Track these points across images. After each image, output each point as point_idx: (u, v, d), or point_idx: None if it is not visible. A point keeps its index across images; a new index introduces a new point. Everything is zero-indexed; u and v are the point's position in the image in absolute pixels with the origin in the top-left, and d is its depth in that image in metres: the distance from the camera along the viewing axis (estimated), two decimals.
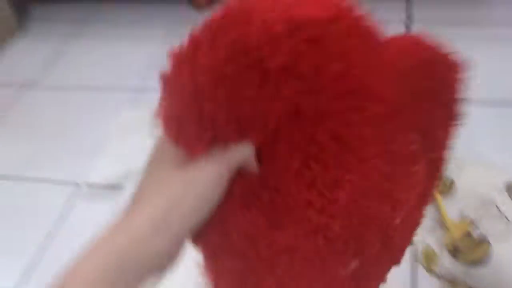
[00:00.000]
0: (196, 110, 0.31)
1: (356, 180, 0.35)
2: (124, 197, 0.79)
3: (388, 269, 0.42)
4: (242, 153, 0.33)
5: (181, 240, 0.32)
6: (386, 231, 0.39)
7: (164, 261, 0.32)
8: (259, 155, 0.34)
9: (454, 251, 0.65)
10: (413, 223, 0.44)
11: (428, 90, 0.40)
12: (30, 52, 1.37)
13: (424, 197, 0.44)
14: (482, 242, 0.65)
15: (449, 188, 0.73)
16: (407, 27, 1.19)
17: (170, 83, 0.32)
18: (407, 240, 0.44)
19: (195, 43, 0.31)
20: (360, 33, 0.33)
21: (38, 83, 1.25)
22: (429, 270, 0.66)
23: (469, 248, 0.65)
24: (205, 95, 0.30)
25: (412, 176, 0.39)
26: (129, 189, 0.80)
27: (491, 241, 0.64)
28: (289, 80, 0.31)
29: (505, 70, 1.05)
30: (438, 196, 0.71)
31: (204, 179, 0.31)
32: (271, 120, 0.32)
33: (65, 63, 1.30)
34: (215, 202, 0.32)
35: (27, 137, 1.09)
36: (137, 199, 0.32)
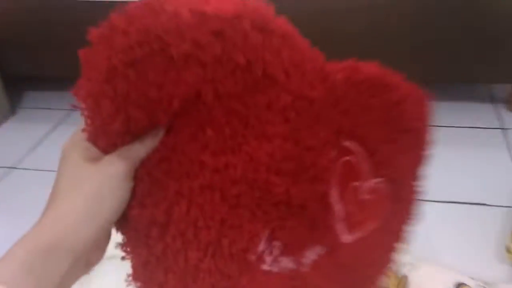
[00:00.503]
0: (110, 88, 0.33)
1: (253, 153, 0.38)
2: None
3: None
4: (149, 146, 0.36)
5: (106, 230, 0.35)
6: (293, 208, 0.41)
7: (91, 251, 0.34)
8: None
9: None
10: (375, 248, 0.45)
11: (371, 108, 0.42)
12: (19, 134, 1.45)
13: (391, 229, 0.46)
14: None
15: (402, 283, 0.77)
16: None
17: (88, 61, 0.35)
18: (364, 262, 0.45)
19: (112, 26, 0.33)
20: (267, 30, 0.36)
21: (22, 164, 1.31)
22: None
23: None
24: (118, 75, 0.33)
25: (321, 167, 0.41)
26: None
27: None
28: (191, 68, 0.34)
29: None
30: None
31: (117, 174, 0.34)
32: (175, 103, 0.35)
33: (50, 146, 1.37)
34: (129, 190, 0.35)
35: (8, 215, 1.13)
36: (55, 196, 0.34)
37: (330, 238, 0.43)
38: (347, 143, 0.42)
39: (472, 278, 0.79)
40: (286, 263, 0.43)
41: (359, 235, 0.44)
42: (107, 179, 0.34)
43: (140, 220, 0.38)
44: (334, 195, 0.42)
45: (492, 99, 1.41)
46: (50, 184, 0.35)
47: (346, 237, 0.44)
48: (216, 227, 0.39)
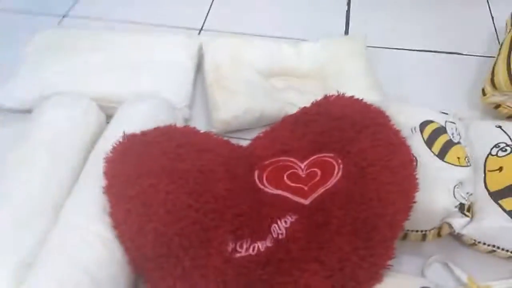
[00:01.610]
0: None
1: None
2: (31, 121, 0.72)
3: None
4: None
5: None
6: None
7: None
8: None
9: None
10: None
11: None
12: None
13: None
14: None
15: None
16: None
17: None
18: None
19: None
20: None
21: None
22: None
23: None
24: None
25: None
26: (36, 113, 0.73)
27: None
28: None
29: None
30: None
31: None
32: None
33: None
34: None
35: None
36: None
37: (290, 208, 0.59)
38: None
39: (444, 113, 0.73)
40: (261, 244, 0.58)
41: (314, 197, 0.60)
42: None
43: None
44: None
45: None
46: None
47: (304, 201, 0.60)
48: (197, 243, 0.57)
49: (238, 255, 0.57)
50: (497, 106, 0.80)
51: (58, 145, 0.66)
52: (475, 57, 0.96)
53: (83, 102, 0.73)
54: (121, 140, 0.63)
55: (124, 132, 0.63)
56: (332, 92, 0.70)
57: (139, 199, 0.57)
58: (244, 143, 0.72)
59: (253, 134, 0.72)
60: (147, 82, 0.81)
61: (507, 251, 0.61)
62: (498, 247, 0.62)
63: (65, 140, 0.67)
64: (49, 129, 0.67)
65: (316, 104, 0.70)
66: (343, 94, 0.70)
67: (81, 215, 0.58)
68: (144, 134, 0.64)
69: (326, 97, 0.70)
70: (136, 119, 0.68)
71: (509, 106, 0.79)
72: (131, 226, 0.56)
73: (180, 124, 0.70)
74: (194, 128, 0.69)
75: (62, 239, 0.56)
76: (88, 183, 0.61)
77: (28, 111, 0.76)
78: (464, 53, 0.97)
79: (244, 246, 0.58)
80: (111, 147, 0.62)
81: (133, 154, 0.61)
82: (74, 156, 0.67)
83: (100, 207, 0.58)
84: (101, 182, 0.59)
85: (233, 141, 0.72)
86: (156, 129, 0.65)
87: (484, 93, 0.81)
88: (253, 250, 0.58)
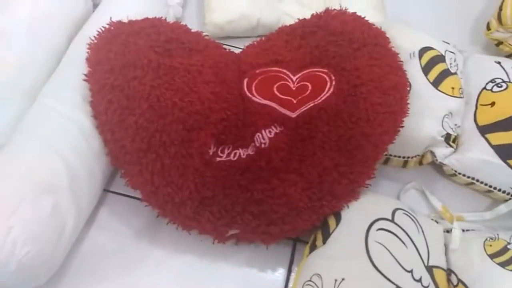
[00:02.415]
0: None
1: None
2: None
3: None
4: None
5: None
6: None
7: None
8: None
9: None
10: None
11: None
12: None
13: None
14: None
15: None
16: None
17: None
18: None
19: None
20: None
21: None
22: None
23: None
24: None
25: None
26: None
27: None
28: None
29: None
30: None
31: None
32: None
33: None
34: None
35: None
36: None
37: (276, 119, 0.57)
38: None
39: (445, 42, 0.70)
40: (243, 151, 0.57)
41: (302, 110, 0.57)
42: None
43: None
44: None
45: None
46: None
47: (291, 114, 0.58)
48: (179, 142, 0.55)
49: (218, 159, 0.56)
50: (499, 43, 0.78)
51: (39, 23, 0.62)
52: None
53: None
54: (107, 26, 0.59)
55: (110, 18, 0.59)
56: (335, 7, 0.67)
57: (122, 90, 0.55)
58: (237, 51, 0.69)
59: (246, 43, 0.68)
60: None
61: (486, 184, 0.62)
62: (478, 180, 0.62)
63: (47, 19, 0.63)
64: (31, 5, 0.63)
65: (316, 17, 0.67)
66: (345, 9, 0.66)
67: (60, 100, 0.55)
68: (132, 23, 0.60)
69: (327, 11, 0.67)
70: (124, 8, 0.64)
71: (511, 45, 0.76)
72: (112, 117, 0.55)
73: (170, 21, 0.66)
74: (186, 25, 0.65)
75: (36, 122, 0.54)
76: (69, 68, 0.59)
77: None
78: None
79: (226, 151, 0.58)
80: (96, 33, 0.58)
81: (119, 42, 0.57)
82: (56, 37, 0.63)
83: (80, 95, 0.56)
84: (83, 68, 0.56)
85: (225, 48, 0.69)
86: (145, 20, 0.61)
87: (488, 28, 0.78)
88: (234, 156, 0.57)
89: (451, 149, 0.62)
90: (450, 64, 0.66)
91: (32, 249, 0.46)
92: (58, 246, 0.50)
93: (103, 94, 0.55)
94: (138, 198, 0.56)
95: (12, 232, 0.45)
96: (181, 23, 0.67)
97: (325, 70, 0.61)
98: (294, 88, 0.61)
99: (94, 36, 0.58)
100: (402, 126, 0.58)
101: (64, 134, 0.53)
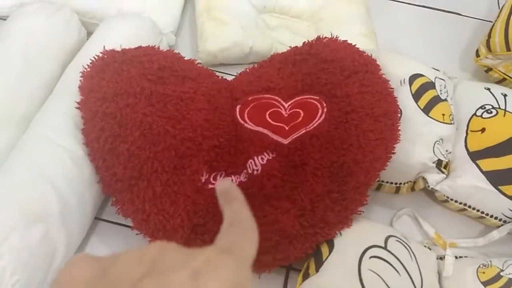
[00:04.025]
0: None
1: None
2: (7, 26, 0.67)
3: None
4: None
5: None
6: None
7: None
8: None
9: None
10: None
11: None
12: None
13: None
14: None
15: None
16: None
17: None
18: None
19: None
20: None
21: None
22: None
23: None
24: None
25: None
26: (14, 19, 0.68)
27: None
28: None
29: None
30: None
31: None
32: None
33: None
34: None
35: None
36: None
37: (268, 145, 0.57)
38: None
39: (435, 69, 0.71)
40: (235, 178, 0.58)
41: (294, 137, 0.58)
42: None
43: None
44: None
45: None
46: None
47: (283, 140, 0.58)
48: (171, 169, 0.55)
49: (210, 186, 0.56)
50: (489, 69, 0.79)
51: (34, 53, 0.62)
52: (473, 19, 0.94)
53: (64, 12, 0.68)
54: (100, 55, 0.59)
55: (104, 46, 0.60)
56: (326, 34, 0.68)
57: (114, 118, 0.55)
58: (229, 78, 0.70)
59: (239, 71, 0.69)
60: (133, 0, 0.77)
61: (478, 210, 0.62)
62: (470, 206, 0.62)
63: (42, 49, 0.64)
64: (27, 36, 0.63)
65: (307, 45, 0.68)
66: (336, 37, 0.67)
67: (52, 127, 0.55)
68: (125, 51, 0.61)
69: (319, 39, 0.68)
70: (118, 36, 0.65)
71: (500, 71, 0.78)
72: (104, 145, 0.54)
73: (164, 49, 0.67)
74: (179, 53, 0.66)
75: (28, 149, 0.54)
76: (62, 97, 0.59)
77: (5, 18, 0.72)
78: (463, 14, 0.95)
79: (218, 178, 0.57)
80: (90, 61, 0.59)
81: (111, 71, 0.58)
82: (50, 66, 0.63)
83: (72, 122, 0.56)
84: (76, 96, 0.56)
85: (218, 75, 0.69)
86: (138, 48, 0.62)
87: (477, 55, 0.79)
88: None
89: (443, 175, 0.62)
90: (440, 90, 0.67)
91: (21, 278, 0.46)
92: (48, 274, 0.50)
93: (95, 122, 0.55)
94: (129, 226, 0.56)
95: (2, 260, 0.45)
96: (175, 50, 0.68)
97: (317, 97, 0.62)
98: (286, 115, 0.62)
99: (87, 64, 0.58)
100: (394, 153, 0.58)
101: (55, 161, 0.53)
